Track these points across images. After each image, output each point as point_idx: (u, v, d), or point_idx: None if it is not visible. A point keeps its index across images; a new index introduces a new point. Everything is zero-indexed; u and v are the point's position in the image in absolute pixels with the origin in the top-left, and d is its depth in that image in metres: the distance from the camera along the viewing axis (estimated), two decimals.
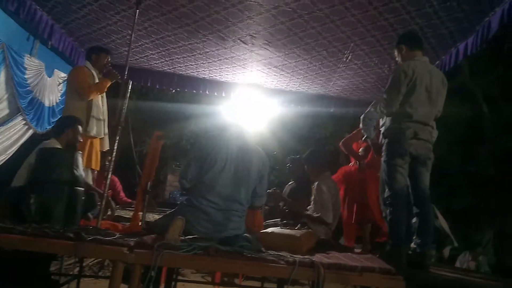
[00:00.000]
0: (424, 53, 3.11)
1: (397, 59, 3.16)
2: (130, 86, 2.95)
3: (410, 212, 2.86)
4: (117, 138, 2.79)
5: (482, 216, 10.01)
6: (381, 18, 3.58)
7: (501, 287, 2.69)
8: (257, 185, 2.78)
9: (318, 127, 10.62)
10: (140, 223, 2.93)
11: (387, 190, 2.85)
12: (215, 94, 5.76)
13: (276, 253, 2.44)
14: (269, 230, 3.01)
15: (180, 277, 5.47)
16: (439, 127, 3.19)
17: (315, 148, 4.71)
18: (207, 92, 5.74)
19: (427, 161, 2.90)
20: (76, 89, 3.76)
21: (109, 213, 3.28)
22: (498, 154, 8.70)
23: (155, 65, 5.35)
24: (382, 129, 3.03)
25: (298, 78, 5.31)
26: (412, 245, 2.87)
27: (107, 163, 2.93)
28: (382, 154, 2.97)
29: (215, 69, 5.29)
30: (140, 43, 4.68)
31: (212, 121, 2.87)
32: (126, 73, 3.08)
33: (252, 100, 5.76)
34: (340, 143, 4.56)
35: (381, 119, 3.12)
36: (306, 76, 5.22)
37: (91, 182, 3.72)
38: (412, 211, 2.86)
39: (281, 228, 3.09)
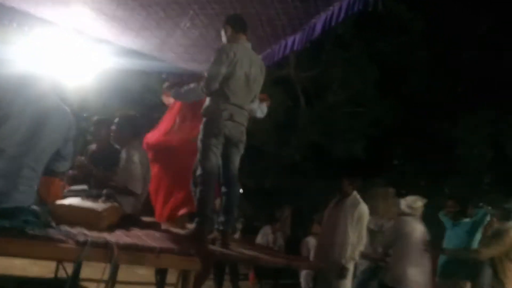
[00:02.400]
0: (248, 38, 3.18)
1: (222, 39, 3.17)
2: None
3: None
4: None
5: (284, 195, 11.41)
6: None
7: (284, 263, 3.04)
8: (60, 148, 2.38)
9: (151, 93, 10.15)
10: None
11: (199, 168, 2.85)
12: (25, 28, 4.78)
13: (69, 229, 2.15)
14: (67, 201, 2.65)
15: None
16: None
17: (131, 113, 4.34)
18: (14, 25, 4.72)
19: (239, 144, 3.01)
20: None
21: None
22: (305, 143, 9.93)
23: None
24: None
25: (130, 34, 4.83)
26: (217, 223, 2.96)
27: None
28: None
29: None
30: None
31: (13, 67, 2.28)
32: None
33: (73, 47, 4.99)
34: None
35: None
36: (140, 34, 4.80)
37: None
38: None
39: (82, 200, 2.76)
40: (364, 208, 4.33)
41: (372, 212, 4.92)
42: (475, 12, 7.91)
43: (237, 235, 5.84)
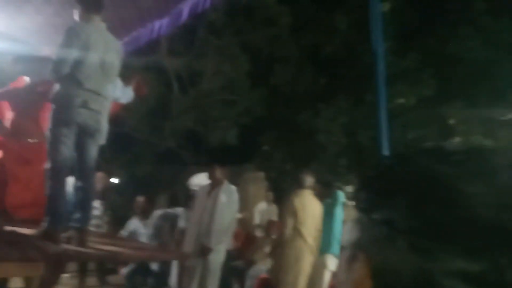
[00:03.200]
0: (104, 18, 2.93)
1: (75, 18, 2.88)
2: None
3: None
4: None
5: (159, 183, 11.12)
6: None
7: (148, 256, 2.94)
8: None
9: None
10: None
11: (48, 162, 2.56)
12: None
13: None
14: None
15: None
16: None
17: None
18: None
19: (96, 133, 2.78)
20: None
21: None
22: (179, 130, 9.80)
23: None
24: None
25: None
26: (73, 220, 2.72)
27: None
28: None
29: None
30: None
31: None
32: None
33: None
34: None
35: None
36: None
37: None
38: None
39: None
40: (236, 196, 4.49)
41: (244, 195, 5.13)
42: (333, 12, 8.74)
43: (103, 229, 5.48)
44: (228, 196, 4.44)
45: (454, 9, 8.43)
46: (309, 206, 4.36)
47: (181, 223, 5.07)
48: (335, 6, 8.67)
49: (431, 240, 0.37)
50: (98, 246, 2.85)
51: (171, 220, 5.37)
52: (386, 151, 2.39)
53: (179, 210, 5.42)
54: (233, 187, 4.59)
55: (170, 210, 5.72)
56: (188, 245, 4.46)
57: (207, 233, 4.26)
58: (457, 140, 8.39)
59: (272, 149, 9.62)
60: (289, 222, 4.29)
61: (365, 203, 0.44)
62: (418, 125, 8.39)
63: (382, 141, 2.41)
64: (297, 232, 4.22)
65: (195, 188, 4.92)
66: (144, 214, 5.69)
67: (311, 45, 8.90)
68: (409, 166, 0.42)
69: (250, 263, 5.64)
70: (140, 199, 5.87)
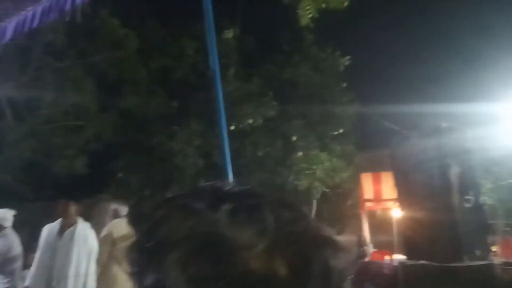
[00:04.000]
0: None
1: None
2: None
3: None
4: None
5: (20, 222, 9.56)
6: None
7: None
8: None
9: None
10: None
11: None
12: None
13: None
14: None
15: None
16: None
17: None
18: None
19: None
20: None
21: None
22: (16, 162, 8.68)
23: None
24: None
25: None
26: None
27: None
28: None
29: None
30: None
31: None
32: None
33: None
34: None
35: None
36: None
37: None
38: None
39: None
40: (93, 235, 4.17)
41: (100, 227, 4.79)
42: (181, 36, 9.02)
43: None
44: (85, 237, 4.08)
45: (287, 39, 9.58)
46: (126, 234, 4.38)
47: None
48: (182, 31, 8.96)
49: None
50: None
51: None
52: (230, 175, 2.51)
53: None
54: (89, 226, 4.25)
55: None
56: None
57: (61, 279, 3.83)
58: (297, 155, 9.38)
59: (127, 175, 9.23)
60: (104, 251, 4.22)
61: (135, 266, 0.40)
62: (266, 142, 9.15)
63: (227, 166, 2.53)
64: (115, 260, 4.19)
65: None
66: None
67: (161, 69, 8.97)
68: (183, 214, 0.39)
69: None
70: None
